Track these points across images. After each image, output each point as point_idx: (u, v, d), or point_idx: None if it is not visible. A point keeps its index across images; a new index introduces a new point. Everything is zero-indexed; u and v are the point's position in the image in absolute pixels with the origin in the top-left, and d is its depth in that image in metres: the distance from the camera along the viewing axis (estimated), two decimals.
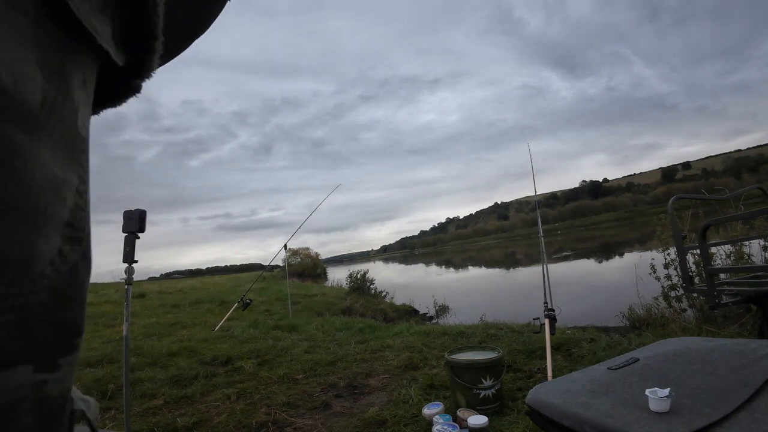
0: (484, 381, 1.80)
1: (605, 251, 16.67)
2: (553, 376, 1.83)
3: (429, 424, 1.73)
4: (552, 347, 2.08)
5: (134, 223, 2.17)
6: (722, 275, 2.05)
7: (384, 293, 9.16)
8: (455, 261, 31.74)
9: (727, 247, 3.05)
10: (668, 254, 3.36)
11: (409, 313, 7.29)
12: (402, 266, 35.22)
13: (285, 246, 5.69)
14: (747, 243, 2.95)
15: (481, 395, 1.80)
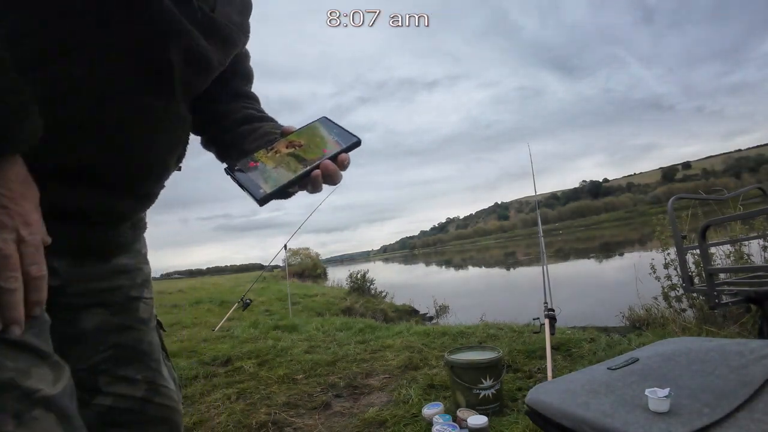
0: (484, 381, 1.80)
1: (605, 251, 16.67)
2: (553, 376, 1.83)
3: (429, 424, 1.73)
4: (552, 347, 2.08)
5: None
6: (722, 275, 2.04)
7: (384, 293, 9.15)
8: (455, 261, 31.75)
9: (727, 247, 3.05)
10: (668, 254, 3.35)
11: (409, 313, 7.29)
12: (402, 266, 35.21)
13: (285, 246, 5.69)
14: (747, 243, 2.95)
15: (481, 395, 1.80)
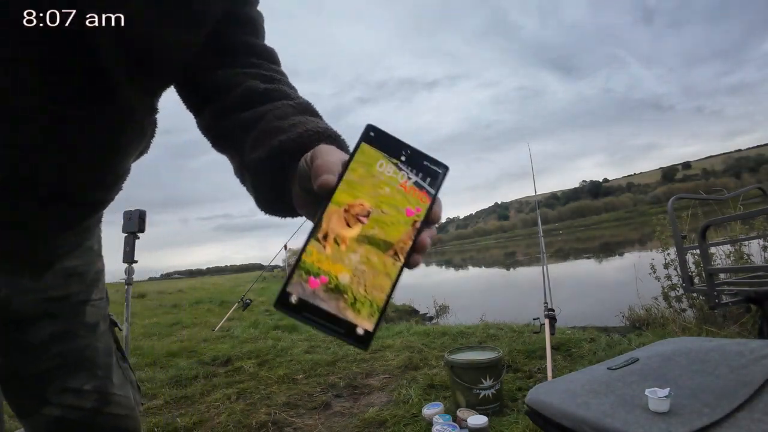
0: (484, 381, 1.80)
1: (605, 251, 16.67)
2: (553, 376, 1.83)
3: (429, 424, 1.73)
4: (552, 347, 2.08)
5: (134, 223, 2.17)
6: (722, 275, 2.04)
7: None
8: (455, 261, 31.75)
9: (727, 247, 3.05)
10: (668, 254, 3.35)
11: (409, 313, 7.29)
12: None
13: (285, 246, 5.70)
14: (747, 243, 2.95)
15: (481, 395, 1.80)
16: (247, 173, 0.46)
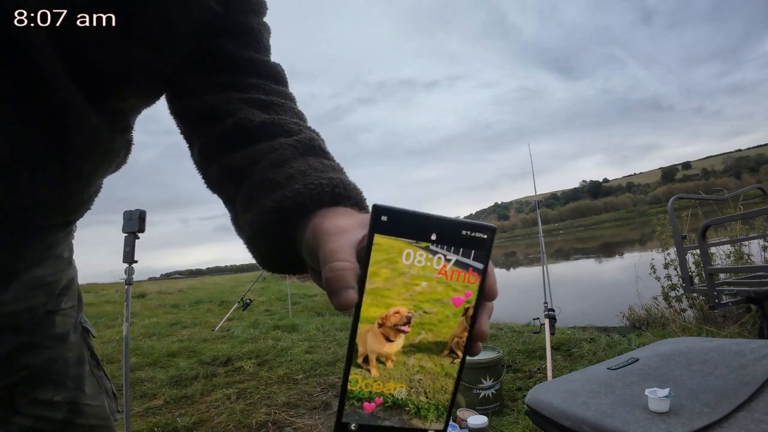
0: (484, 381, 1.80)
1: (605, 251, 16.67)
2: (553, 376, 1.83)
3: None
4: (552, 347, 2.08)
5: (134, 223, 2.17)
6: (722, 275, 2.05)
7: None
8: None
9: (727, 247, 3.05)
10: (668, 254, 3.36)
11: None
12: None
13: None
14: (747, 243, 2.95)
15: (481, 395, 1.80)
16: (242, 234, 0.40)
